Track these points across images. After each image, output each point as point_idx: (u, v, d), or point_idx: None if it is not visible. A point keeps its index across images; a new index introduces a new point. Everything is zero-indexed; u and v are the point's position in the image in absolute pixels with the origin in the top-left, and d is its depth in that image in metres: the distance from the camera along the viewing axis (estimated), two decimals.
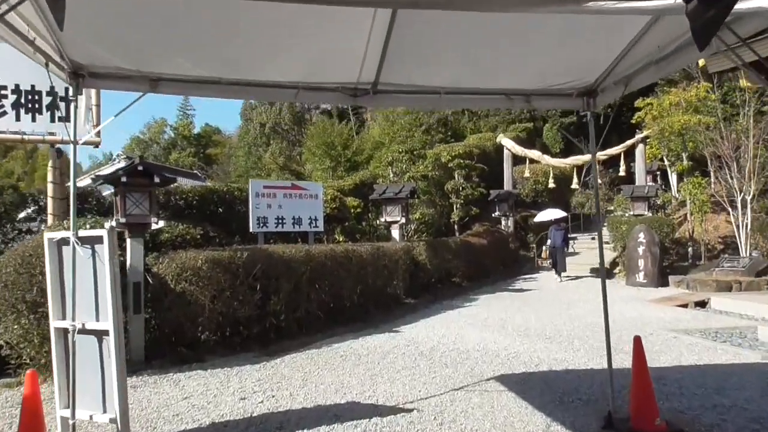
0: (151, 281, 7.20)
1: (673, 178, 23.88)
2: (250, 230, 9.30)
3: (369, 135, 38.15)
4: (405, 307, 11.66)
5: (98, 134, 7.98)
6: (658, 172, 23.12)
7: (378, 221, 13.69)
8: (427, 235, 16.18)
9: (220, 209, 11.32)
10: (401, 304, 11.73)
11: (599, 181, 20.52)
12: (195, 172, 31.96)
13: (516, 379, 6.14)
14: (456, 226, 17.94)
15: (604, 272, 4.64)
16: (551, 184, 19.24)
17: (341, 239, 13.54)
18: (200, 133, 59.47)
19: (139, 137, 57.40)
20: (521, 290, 14.26)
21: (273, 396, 5.66)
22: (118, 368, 3.81)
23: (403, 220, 12.68)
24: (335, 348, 7.97)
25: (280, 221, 9.63)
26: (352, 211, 14.10)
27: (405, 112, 30.80)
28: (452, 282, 14.61)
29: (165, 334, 7.30)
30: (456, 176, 18.05)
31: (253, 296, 7.91)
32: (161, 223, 7.25)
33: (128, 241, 7.15)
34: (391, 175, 16.35)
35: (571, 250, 20.42)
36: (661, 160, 22.00)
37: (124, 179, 7.06)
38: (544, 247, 18.45)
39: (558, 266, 16.34)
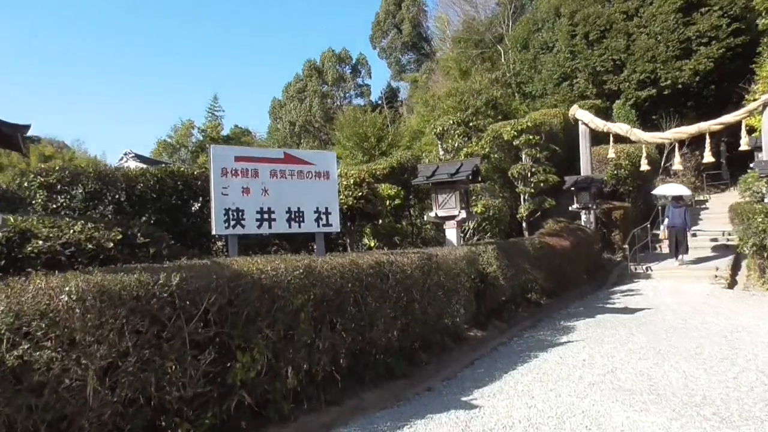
0: None
1: None
2: (213, 231, 5.48)
3: (406, 125, 34.33)
4: (470, 344, 7.73)
5: None
6: None
7: (425, 217, 9.70)
8: (491, 235, 12.12)
9: (191, 202, 7.63)
10: (464, 341, 7.79)
11: (680, 166, 16.19)
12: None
13: None
14: (524, 223, 13.78)
15: None
16: (645, 166, 14.89)
17: (372, 244, 9.58)
18: (229, 134, 56.75)
19: (166, 140, 55.03)
20: (629, 310, 10.08)
21: None
22: None
23: (463, 215, 8.65)
24: None
25: (265, 216, 5.75)
26: (388, 203, 10.14)
27: (447, 94, 26.83)
28: (528, 299, 10.55)
29: None
30: (523, 158, 13.88)
31: (199, 359, 4.11)
32: None
33: None
34: (441, 153, 12.42)
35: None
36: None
37: None
38: (661, 227, 15.72)
39: (679, 249, 14.27)
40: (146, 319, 3.82)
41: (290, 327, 4.85)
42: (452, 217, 8.76)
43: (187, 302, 4.04)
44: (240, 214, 5.57)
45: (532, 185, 13.58)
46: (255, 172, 5.71)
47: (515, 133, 13.65)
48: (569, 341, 7.85)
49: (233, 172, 5.56)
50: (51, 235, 4.43)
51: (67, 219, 4.90)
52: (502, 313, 9.32)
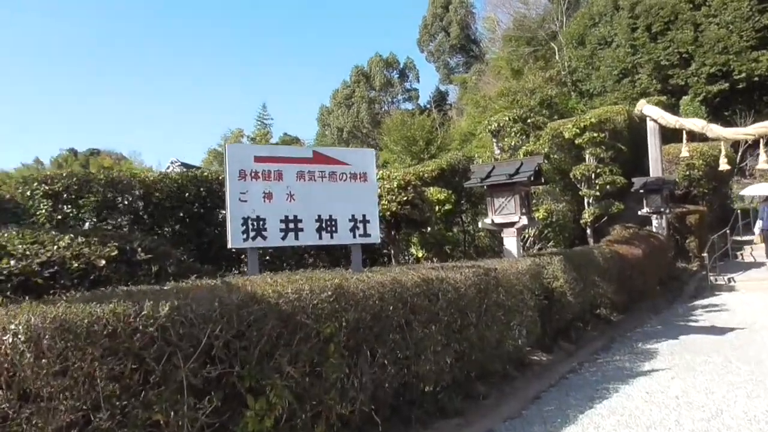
0: None
1: None
2: (229, 244, 4.63)
3: (456, 128, 33.23)
4: (534, 372, 6.65)
5: None
6: None
7: (479, 224, 8.64)
8: (555, 243, 10.94)
9: (217, 210, 6.87)
10: (527, 367, 6.72)
11: (766, 165, 14.42)
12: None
13: None
14: (589, 230, 12.50)
15: None
16: (724, 166, 13.34)
17: (420, 255, 8.62)
18: (278, 142, 57.00)
19: (216, 149, 55.81)
20: (717, 330, 8.72)
21: None
22: None
23: (524, 221, 7.57)
24: None
25: (291, 225, 4.87)
26: (437, 208, 9.15)
27: (499, 94, 25.63)
28: (597, 316, 9.35)
29: None
30: (587, 158, 12.61)
31: (198, 408, 3.25)
32: None
33: None
34: (497, 152, 11.34)
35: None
36: None
37: None
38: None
39: None
40: (127, 361, 2.99)
41: (317, 361, 3.95)
42: (511, 224, 7.69)
43: (182, 337, 3.19)
44: (261, 223, 4.71)
45: (597, 187, 12.27)
46: (279, 173, 4.85)
47: (577, 130, 12.39)
48: (653, 369, 6.64)
49: (253, 174, 4.71)
50: (28, 252, 3.68)
51: (53, 233, 4.15)
52: (569, 332, 8.19)
